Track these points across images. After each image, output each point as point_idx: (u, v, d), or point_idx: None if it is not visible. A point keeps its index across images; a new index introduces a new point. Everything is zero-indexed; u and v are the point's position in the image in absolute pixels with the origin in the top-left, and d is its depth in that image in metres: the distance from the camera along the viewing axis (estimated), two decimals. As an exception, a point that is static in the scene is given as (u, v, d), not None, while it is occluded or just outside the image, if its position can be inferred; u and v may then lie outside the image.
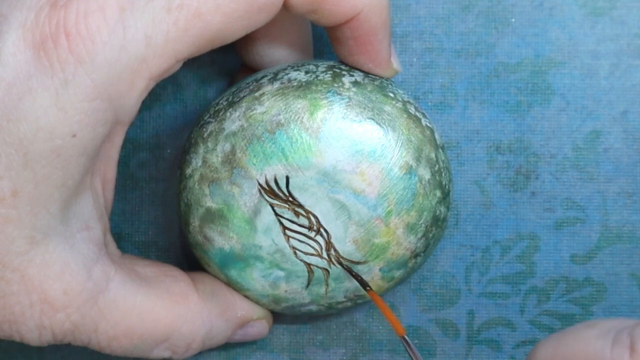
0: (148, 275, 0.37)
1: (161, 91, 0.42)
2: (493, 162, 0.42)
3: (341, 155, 0.36)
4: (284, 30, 0.38)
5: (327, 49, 0.42)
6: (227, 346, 0.42)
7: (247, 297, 0.38)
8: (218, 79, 0.42)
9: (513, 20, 0.41)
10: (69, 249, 0.34)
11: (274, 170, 0.36)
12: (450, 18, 0.41)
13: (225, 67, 0.42)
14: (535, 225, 0.42)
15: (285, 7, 0.35)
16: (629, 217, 0.41)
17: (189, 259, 0.42)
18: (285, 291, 0.38)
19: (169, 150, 0.42)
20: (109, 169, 0.36)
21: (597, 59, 0.41)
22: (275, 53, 0.39)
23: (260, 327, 0.39)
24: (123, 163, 0.42)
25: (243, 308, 0.39)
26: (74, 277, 0.34)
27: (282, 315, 0.41)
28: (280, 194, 0.36)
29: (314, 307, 0.39)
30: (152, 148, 0.42)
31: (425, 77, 0.42)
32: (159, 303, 0.36)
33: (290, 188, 0.36)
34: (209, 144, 0.36)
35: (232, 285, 0.38)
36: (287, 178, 0.36)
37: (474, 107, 0.41)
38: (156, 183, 0.42)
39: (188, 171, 0.37)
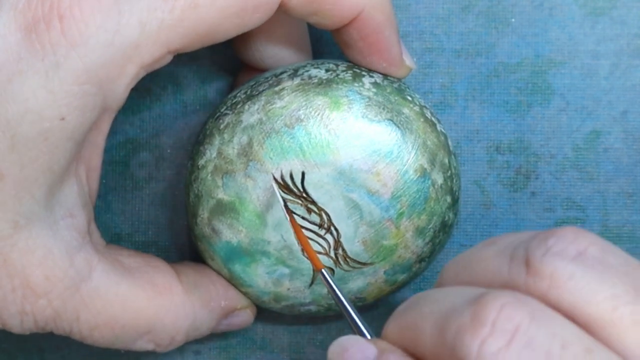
0: (132, 265, 0.37)
1: (161, 91, 0.42)
2: (493, 162, 0.42)
3: (358, 154, 0.36)
4: (281, 30, 0.38)
5: (327, 49, 0.42)
6: (228, 346, 0.42)
7: (247, 293, 0.38)
8: (218, 79, 0.42)
9: (513, 20, 0.41)
10: (52, 235, 0.34)
11: (290, 165, 0.36)
12: (450, 18, 0.41)
13: (225, 67, 0.42)
14: (535, 225, 0.42)
15: (285, 10, 0.35)
16: (629, 217, 0.41)
17: (189, 258, 0.42)
18: (288, 289, 0.38)
19: (169, 150, 0.42)
20: (95, 156, 0.36)
21: (597, 59, 0.41)
22: (272, 52, 0.39)
23: (244, 316, 0.39)
24: (123, 163, 0.42)
25: (226, 298, 0.38)
26: (56, 263, 0.34)
27: (282, 315, 0.41)
28: (295, 190, 0.36)
29: (313, 307, 0.39)
30: (152, 148, 0.42)
31: (425, 77, 0.42)
32: (141, 294, 0.36)
33: (305, 184, 0.36)
34: (225, 136, 0.36)
35: (234, 280, 0.38)
36: (303, 174, 0.36)
37: (474, 107, 0.41)
38: (156, 183, 0.42)
39: (201, 162, 0.37)
